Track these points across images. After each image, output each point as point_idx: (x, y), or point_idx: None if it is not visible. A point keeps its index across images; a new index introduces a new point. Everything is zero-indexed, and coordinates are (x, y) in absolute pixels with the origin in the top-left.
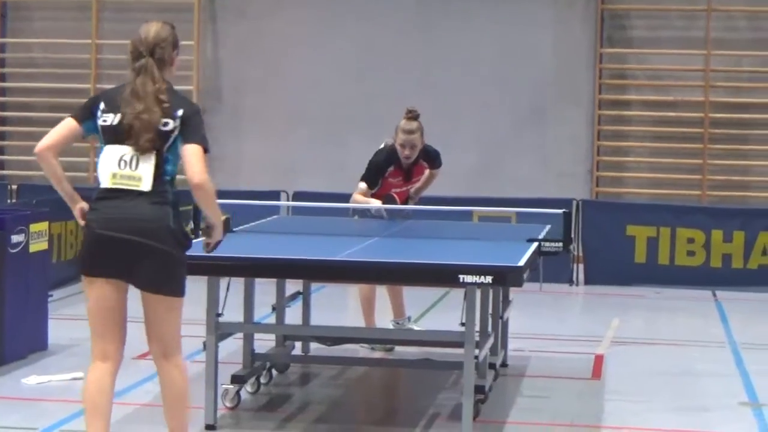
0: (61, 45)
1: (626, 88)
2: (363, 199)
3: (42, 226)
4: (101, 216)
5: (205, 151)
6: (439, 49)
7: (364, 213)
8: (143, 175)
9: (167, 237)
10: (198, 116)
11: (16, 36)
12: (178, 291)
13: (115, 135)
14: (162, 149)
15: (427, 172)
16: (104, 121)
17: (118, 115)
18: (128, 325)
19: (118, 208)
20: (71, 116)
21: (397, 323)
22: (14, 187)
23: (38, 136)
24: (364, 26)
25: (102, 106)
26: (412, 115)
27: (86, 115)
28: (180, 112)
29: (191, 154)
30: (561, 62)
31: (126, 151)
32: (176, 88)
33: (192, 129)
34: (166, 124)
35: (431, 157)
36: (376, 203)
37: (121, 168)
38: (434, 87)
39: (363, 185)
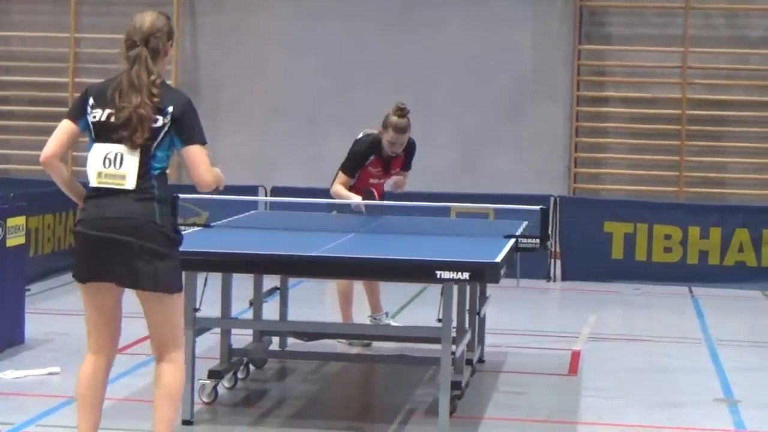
0: (40, 38)
1: (604, 85)
2: (345, 194)
3: (19, 221)
4: (87, 216)
5: (204, 143)
6: (417, 44)
7: (343, 207)
8: (127, 173)
9: (153, 234)
10: (190, 111)
11: None
12: (170, 287)
13: (103, 131)
14: (151, 146)
15: (398, 176)
16: (93, 117)
17: (107, 111)
18: None
19: (103, 207)
20: (67, 117)
21: (374, 318)
22: None
23: (17, 130)
24: (343, 21)
25: (91, 101)
26: (403, 113)
27: (80, 112)
28: (170, 109)
29: (194, 157)
30: (539, 59)
31: (112, 148)
32: None
33: (188, 127)
34: (155, 120)
35: (409, 151)
36: (356, 198)
37: (106, 167)
38: (412, 82)
39: (343, 176)
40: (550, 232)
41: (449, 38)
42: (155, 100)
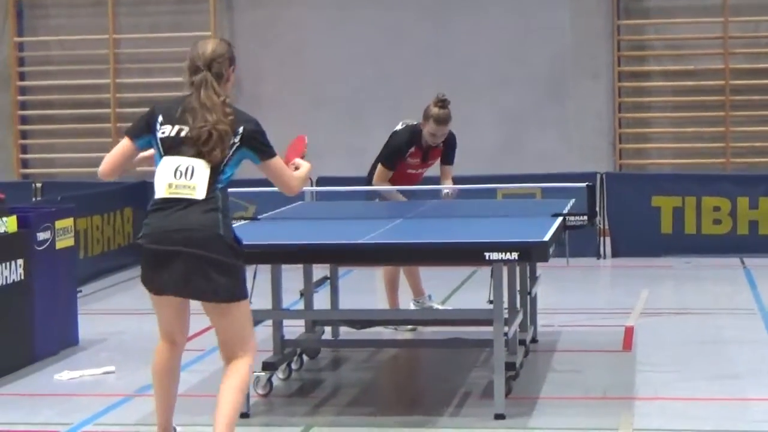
0: (79, 41)
1: (645, 59)
2: (385, 188)
3: (67, 223)
4: (151, 230)
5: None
6: (456, 27)
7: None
8: (198, 184)
9: (217, 245)
10: (260, 129)
11: (33, 34)
12: (234, 296)
13: (173, 146)
14: (222, 161)
15: (445, 171)
16: (162, 133)
17: (177, 127)
18: None
19: (168, 218)
20: (126, 134)
21: (418, 302)
22: (38, 185)
23: (60, 134)
24: (380, 9)
25: (160, 118)
26: (444, 104)
27: (142, 130)
28: (240, 129)
29: (276, 169)
30: (579, 36)
31: (183, 161)
32: None
33: (263, 144)
34: (229, 138)
35: (450, 145)
36: (396, 194)
37: (177, 178)
38: (453, 66)
39: (384, 170)
40: (597, 209)
41: (488, 21)
42: (231, 118)
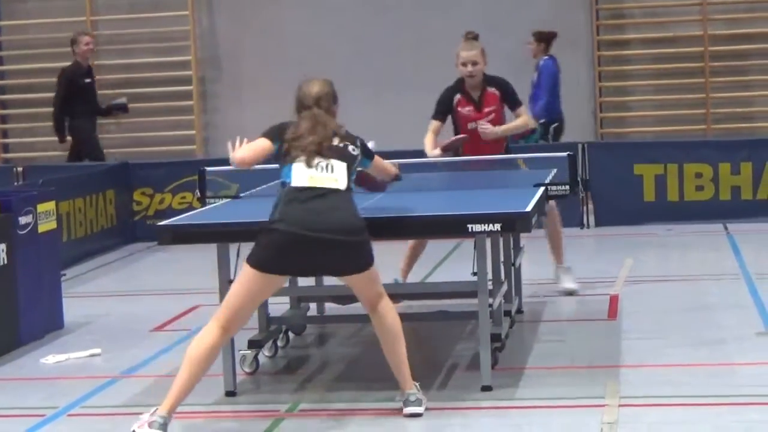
0: (57, 24)
1: (624, 27)
2: (427, 146)
3: (49, 206)
4: (295, 216)
5: None
6: (434, 0)
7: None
8: (339, 177)
9: (356, 229)
10: (364, 141)
11: (10, 18)
12: (369, 264)
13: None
14: (351, 166)
15: (519, 119)
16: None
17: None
18: (146, 297)
19: (315, 207)
20: (263, 135)
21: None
22: (20, 169)
23: (40, 117)
24: None
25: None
26: (472, 36)
27: (277, 136)
28: (358, 142)
29: (381, 165)
30: (557, 5)
31: (320, 160)
32: (173, 59)
33: (370, 151)
34: (354, 149)
35: (502, 87)
36: (434, 151)
37: (319, 171)
38: (431, 40)
39: (431, 121)
40: (579, 178)
41: None
42: (343, 132)
